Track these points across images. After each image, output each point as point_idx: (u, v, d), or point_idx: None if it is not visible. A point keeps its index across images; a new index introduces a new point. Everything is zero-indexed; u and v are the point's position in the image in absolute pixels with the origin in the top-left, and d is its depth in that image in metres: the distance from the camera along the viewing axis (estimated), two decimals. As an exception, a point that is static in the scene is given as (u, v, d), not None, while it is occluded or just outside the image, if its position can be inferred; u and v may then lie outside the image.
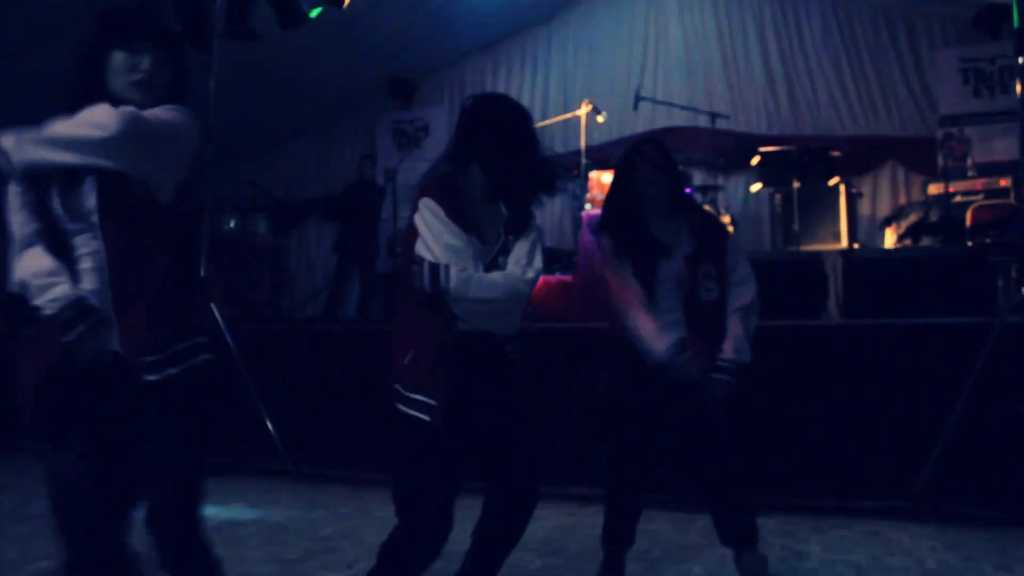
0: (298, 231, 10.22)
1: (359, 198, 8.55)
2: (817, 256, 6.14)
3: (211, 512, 4.56)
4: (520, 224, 2.55)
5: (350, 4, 6.33)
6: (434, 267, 2.39)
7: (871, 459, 4.45)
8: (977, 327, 4.24)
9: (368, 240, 8.42)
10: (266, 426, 5.46)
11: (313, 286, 9.51)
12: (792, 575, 3.41)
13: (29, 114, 2.67)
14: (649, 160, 3.09)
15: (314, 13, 5.99)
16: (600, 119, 7.45)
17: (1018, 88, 4.27)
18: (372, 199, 8.57)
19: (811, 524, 4.18)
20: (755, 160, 7.04)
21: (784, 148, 6.92)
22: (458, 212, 2.45)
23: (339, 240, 8.67)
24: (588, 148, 8.38)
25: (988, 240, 5.98)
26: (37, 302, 1.99)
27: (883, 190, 8.27)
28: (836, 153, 6.92)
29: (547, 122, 8.22)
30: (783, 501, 4.51)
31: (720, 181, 8.26)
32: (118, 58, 2.13)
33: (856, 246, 6.81)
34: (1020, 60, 4.18)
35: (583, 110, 7.22)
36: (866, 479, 4.45)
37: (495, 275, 2.47)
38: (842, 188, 6.75)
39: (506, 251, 2.53)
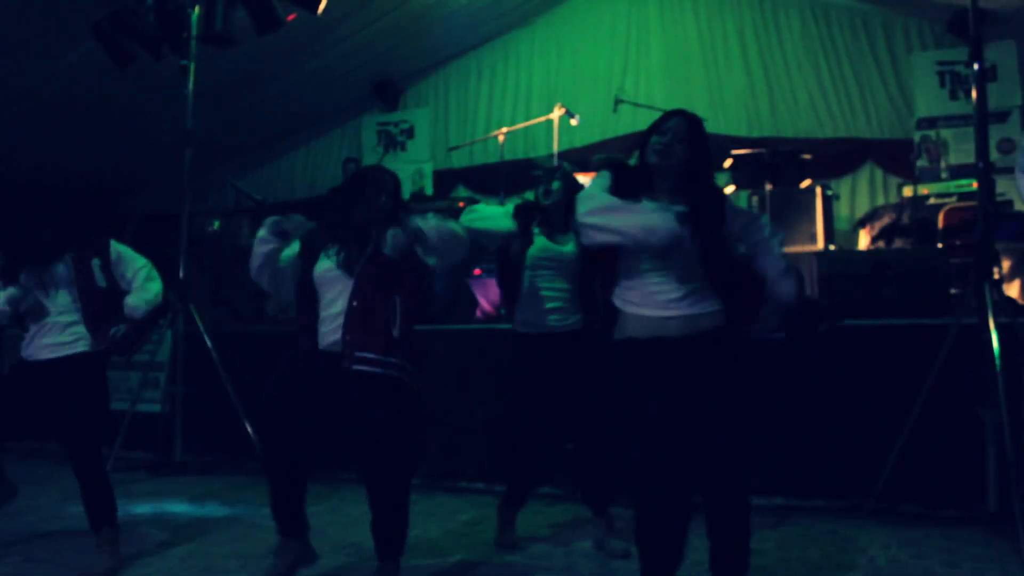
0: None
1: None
2: (793, 258, 6.20)
3: (183, 510, 4.67)
4: None
5: (334, 8, 6.39)
6: None
7: (832, 459, 4.53)
8: (936, 329, 4.31)
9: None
10: (244, 426, 5.54)
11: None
12: (744, 572, 3.48)
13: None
14: None
15: (289, 18, 6.06)
16: (573, 122, 7.52)
17: (974, 94, 4.34)
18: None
19: (771, 522, 4.24)
20: (727, 163, 7.10)
21: (756, 151, 6.99)
22: None
23: (323, 242, 8.72)
24: (569, 150, 8.49)
25: (958, 242, 6.06)
26: None
27: (861, 192, 8.35)
28: (807, 156, 6.99)
29: (523, 125, 8.30)
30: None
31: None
32: None
33: (832, 248, 6.88)
34: (975, 66, 4.24)
35: (556, 113, 7.29)
36: (827, 479, 4.53)
37: None
38: (818, 190, 6.81)
39: None
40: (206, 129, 6.54)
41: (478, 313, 7.21)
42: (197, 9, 6.05)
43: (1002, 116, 7.32)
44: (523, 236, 3.69)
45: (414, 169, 9.59)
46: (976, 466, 4.14)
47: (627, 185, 2.72)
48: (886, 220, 6.90)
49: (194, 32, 6.07)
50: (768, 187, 6.71)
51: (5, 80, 7.01)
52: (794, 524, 4.19)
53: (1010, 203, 6.85)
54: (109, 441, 5.51)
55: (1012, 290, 5.69)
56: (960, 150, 7.58)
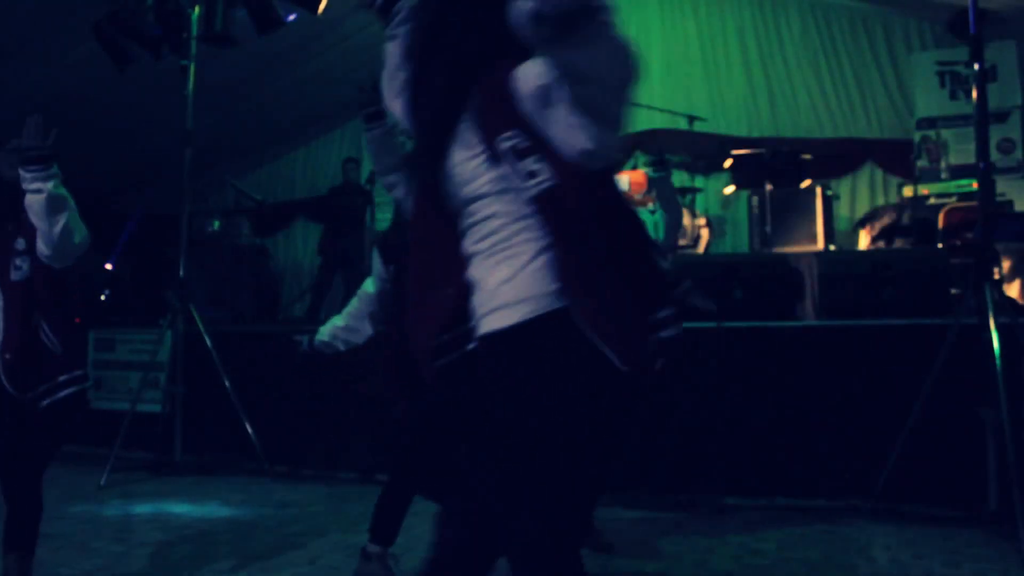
0: (284, 233, 10.29)
1: (343, 201, 8.62)
2: (793, 258, 6.20)
3: (184, 510, 4.66)
4: None
5: (334, 8, 6.39)
6: None
7: (832, 459, 4.53)
8: (936, 329, 4.31)
9: (352, 242, 8.48)
10: (244, 426, 5.53)
11: (299, 287, 9.58)
12: (744, 572, 3.48)
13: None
14: None
15: (290, 18, 6.07)
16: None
17: (974, 94, 4.34)
18: (356, 202, 8.63)
19: (773, 523, 4.25)
20: (727, 163, 7.11)
21: (755, 151, 7.00)
22: None
23: (323, 242, 8.73)
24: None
25: (958, 242, 6.05)
26: None
27: (861, 192, 8.35)
28: (807, 156, 6.99)
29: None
30: (749, 501, 4.59)
31: (699, 184, 8.31)
32: None
33: (832, 248, 6.88)
34: (975, 66, 4.24)
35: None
36: (827, 479, 4.53)
37: None
38: (818, 190, 6.82)
39: None
40: (206, 129, 6.54)
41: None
42: (197, 9, 6.05)
43: (1002, 116, 7.31)
44: None
45: (414, 169, 9.57)
46: (977, 466, 4.15)
47: None
48: (886, 220, 6.90)
49: (194, 32, 6.07)
50: (768, 187, 6.71)
51: (5, 81, 7.01)
52: (794, 524, 4.20)
53: (1010, 203, 6.86)
54: (109, 441, 5.52)
55: (1012, 290, 5.69)
56: (960, 150, 7.57)
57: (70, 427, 3.17)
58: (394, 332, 3.09)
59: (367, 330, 3.28)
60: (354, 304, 3.30)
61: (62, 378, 2.97)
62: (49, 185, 2.73)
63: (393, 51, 1.88)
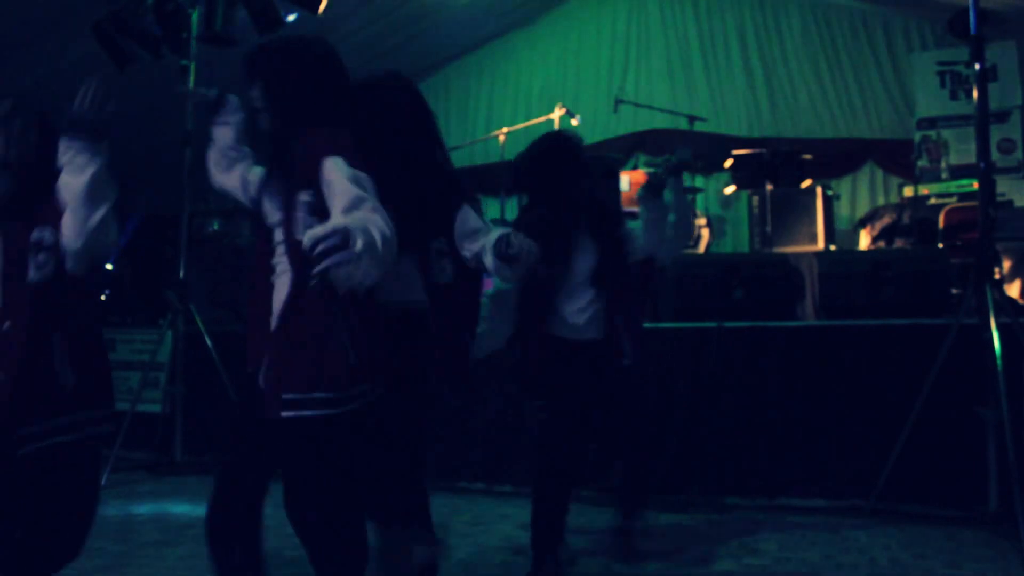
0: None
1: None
2: (793, 258, 6.21)
3: (184, 510, 4.66)
4: None
5: (334, 8, 6.39)
6: None
7: (832, 459, 4.53)
8: (936, 329, 4.31)
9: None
10: (243, 426, 5.52)
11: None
12: (744, 572, 3.48)
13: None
14: None
15: (291, 18, 6.07)
16: (574, 122, 7.53)
17: (974, 94, 4.34)
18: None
19: (773, 523, 4.25)
20: (728, 163, 7.11)
21: (756, 151, 7.01)
22: None
23: (324, 241, 8.73)
24: (569, 150, 8.47)
25: (958, 242, 6.05)
26: None
27: (862, 192, 8.36)
28: (807, 156, 7.00)
29: (523, 125, 8.29)
30: (749, 501, 4.59)
31: (699, 184, 8.31)
32: None
33: (832, 248, 6.89)
34: (976, 66, 4.24)
35: (556, 113, 7.30)
36: (827, 479, 4.52)
37: None
38: (819, 190, 6.82)
39: None
40: (206, 129, 6.52)
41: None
42: (197, 9, 6.04)
43: (1002, 116, 7.32)
44: None
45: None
46: (977, 466, 4.15)
47: None
48: (887, 220, 6.91)
49: (194, 32, 6.07)
50: (768, 187, 6.72)
51: (5, 80, 7.01)
52: (795, 524, 4.19)
53: (1010, 203, 6.86)
54: (109, 441, 5.51)
55: (1012, 290, 5.69)
56: (960, 150, 7.58)
57: (80, 497, 2.36)
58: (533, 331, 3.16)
59: (507, 331, 3.17)
60: (487, 307, 3.10)
61: (63, 420, 2.28)
62: (96, 165, 2.16)
63: (226, 134, 2.54)
